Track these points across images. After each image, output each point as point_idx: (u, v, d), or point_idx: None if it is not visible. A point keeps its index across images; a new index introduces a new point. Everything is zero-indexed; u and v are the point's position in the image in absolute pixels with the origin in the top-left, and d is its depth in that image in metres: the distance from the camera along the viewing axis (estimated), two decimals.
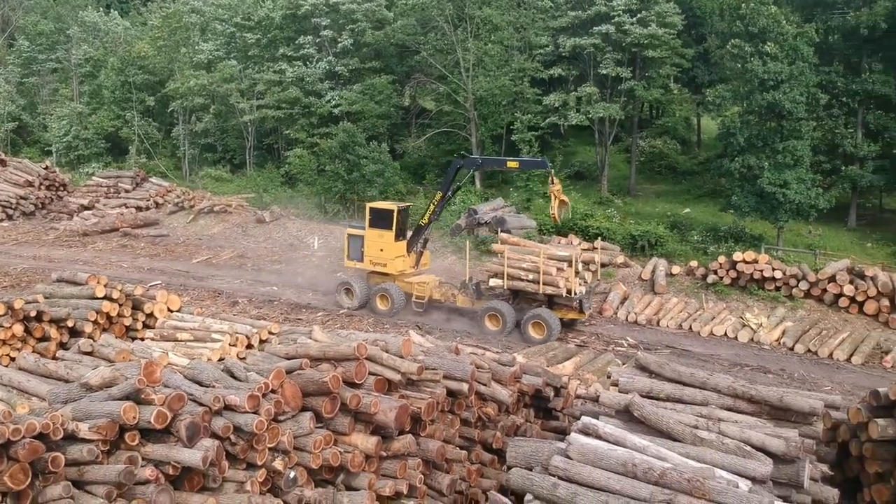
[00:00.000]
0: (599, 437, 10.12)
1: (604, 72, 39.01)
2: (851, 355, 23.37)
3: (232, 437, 9.32)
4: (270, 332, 16.90)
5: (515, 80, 40.89)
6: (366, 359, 11.09)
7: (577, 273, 23.76)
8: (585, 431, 10.29)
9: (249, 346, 16.43)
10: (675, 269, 29.31)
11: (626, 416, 10.90)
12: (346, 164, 38.44)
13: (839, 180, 34.79)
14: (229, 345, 16.10)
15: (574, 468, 9.56)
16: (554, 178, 24.42)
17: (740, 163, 31.20)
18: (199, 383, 9.92)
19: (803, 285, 26.76)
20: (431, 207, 25.85)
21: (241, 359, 13.14)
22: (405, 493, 10.87)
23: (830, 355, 23.48)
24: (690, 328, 25.82)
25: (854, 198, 36.12)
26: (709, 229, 33.84)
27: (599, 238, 30.06)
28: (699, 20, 43.99)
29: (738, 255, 27.73)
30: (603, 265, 28.67)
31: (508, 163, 26.78)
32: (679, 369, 12.20)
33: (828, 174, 35.21)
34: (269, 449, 9.68)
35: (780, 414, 11.37)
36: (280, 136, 48.86)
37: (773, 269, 27.13)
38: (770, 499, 9.02)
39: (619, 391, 11.67)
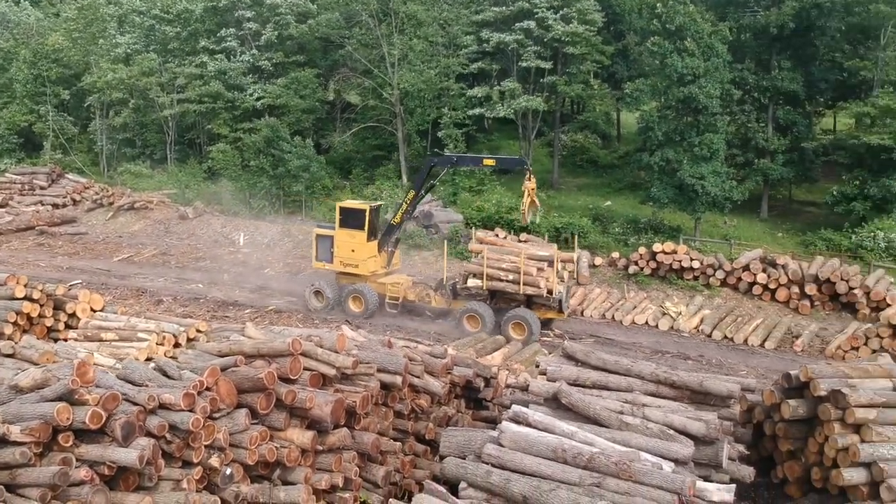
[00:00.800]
0: (530, 425, 10.47)
1: (525, 64, 39.48)
2: (765, 340, 24.47)
3: (168, 435, 9.32)
4: (198, 331, 16.78)
5: (441, 77, 41.10)
6: (300, 354, 11.18)
7: (556, 272, 23.55)
8: (516, 419, 10.63)
9: (177, 345, 16.29)
10: (598, 261, 30.03)
11: (555, 403, 11.29)
12: (270, 160, 38.06)
13: (752, 173, 36.07)
14: (156, 344, 15.94)
15: (506, 455, 9.89)
16: (531, 176, 23.79)
17: (659, 156, 32.02)
18: (132, 383, 9.86)
19: (720, 274, 27.84)
20: (404, 206, 25.11)
21: (171, 357, 13.03)
22: (341, 485, 11.02)
23: (745, 341, 24.52)
24: (613, 317, 26.57)
25: (765, 190, 37.53)
26: (629, 221, 34.64)
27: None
28: (618, 17, 45.10)
29: (657, 247, 28.63)
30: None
31: (484, 161, 25.98)
32: (604, 357, 12.67)
33: (741, 167, 36.49)
34: (205, 446, 9.71)
35: (700, 398, 11.95)
36: (202, 131, 47.94)
37: (691, 259, 28.12)
38: (692, 479, 9.51)
39: (548, 380, 12.06)
